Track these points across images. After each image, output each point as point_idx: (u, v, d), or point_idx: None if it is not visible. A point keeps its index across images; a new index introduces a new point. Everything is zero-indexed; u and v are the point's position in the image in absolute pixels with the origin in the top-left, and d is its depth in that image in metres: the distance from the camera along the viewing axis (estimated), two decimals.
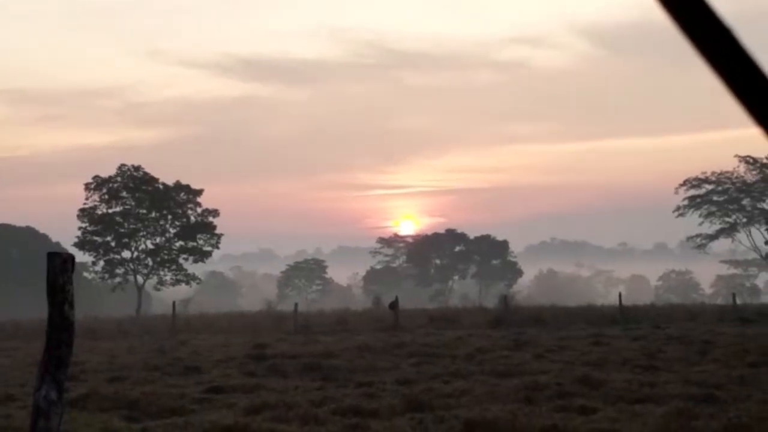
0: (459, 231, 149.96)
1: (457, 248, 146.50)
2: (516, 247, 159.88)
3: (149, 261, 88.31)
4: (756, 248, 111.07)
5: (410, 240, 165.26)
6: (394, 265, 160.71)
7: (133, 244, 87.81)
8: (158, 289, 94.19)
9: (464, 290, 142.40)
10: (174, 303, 47.33)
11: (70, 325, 7.23)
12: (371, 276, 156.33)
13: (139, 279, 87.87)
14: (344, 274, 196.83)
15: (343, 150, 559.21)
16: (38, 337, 25.56)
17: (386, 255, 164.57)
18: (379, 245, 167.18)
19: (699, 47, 1.15)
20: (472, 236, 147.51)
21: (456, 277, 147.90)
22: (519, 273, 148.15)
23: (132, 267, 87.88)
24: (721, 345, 27.18)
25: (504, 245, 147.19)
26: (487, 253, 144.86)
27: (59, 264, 7.21)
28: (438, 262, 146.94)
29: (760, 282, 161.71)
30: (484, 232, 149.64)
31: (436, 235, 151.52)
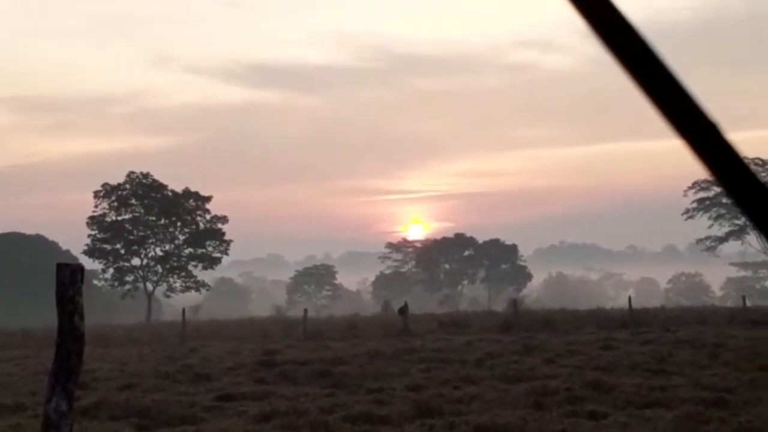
0: (468, 235, 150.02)
1: (466, 252, 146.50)
2: (525, 250, 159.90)
3: (159, 268, 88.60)
4: (766, 250, 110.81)
5: (419, 245, 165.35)
6: (404, 270, 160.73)
7: (142, 251, 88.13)
8: (168, 296, 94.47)
9: (474, 294, 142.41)
10: (184, 310, 47.35)
11: (80, 336, 7.26)
12: (380, 281, 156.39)
13: (149, 286, 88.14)
14: (353, 279, 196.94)
15: (352, 155, 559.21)
16: (48, 345, 25.58)
17: (395, 260, 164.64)
18: (388, 250, 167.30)
19: (619, 60, 1.18)
20: (481, 240, 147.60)
21: (465, 282, 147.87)
22: (528, 277, 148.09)
23: (142, 274, 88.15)
24: (731, 348, 27.10)
25: (513, 249, 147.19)
26: (496, 257, 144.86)
27: (68, 275, 7.24)
28: (447, 266, 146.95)
29: None
30: (493, 236, 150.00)
31: (444, 240, 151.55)
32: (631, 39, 1.17)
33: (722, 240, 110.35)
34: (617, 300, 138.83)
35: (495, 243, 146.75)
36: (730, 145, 1.13)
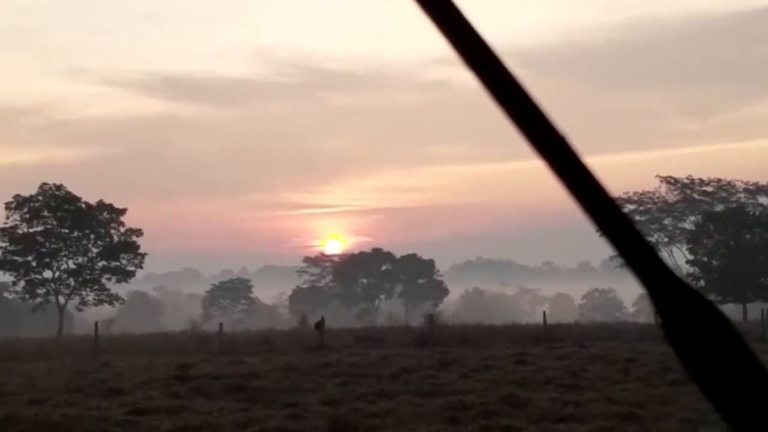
0: (385, 250, 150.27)
1: (384, 267, 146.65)
2: (442, 266, 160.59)
3: (71, 281, 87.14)
4: (677, 267, 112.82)
5: (336, 259, 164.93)
6: (320, 284, 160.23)
7: (54, 263, 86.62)
8: (80, 310, 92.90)
9: (390, 309, 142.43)
10: (96, 324, 46.62)
11: None
12: (297, 295, 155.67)
13: (61, 299, 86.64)
14: (270, 293, 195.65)
15: (269, 169, 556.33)
16: None
17: (312, 274, 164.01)
18: (305, 264, 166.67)
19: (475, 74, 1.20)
20: (398, 255, 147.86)
21: (382, 296, 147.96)
22: (445, 292, 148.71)
23: (53, 287, 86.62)
24: (643, 363, 27.49)
25: (430, 264, 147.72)
26: (413, 272, 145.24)
27: None
28: (364, 281, 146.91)
29: None
30: (410, 252, 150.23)
31: (362, 254, 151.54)
32: (487, 58, 1.19)
33: None
34: (532, 315, 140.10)
35: (412, 258, 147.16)
36: (577, 156, 1.19)
